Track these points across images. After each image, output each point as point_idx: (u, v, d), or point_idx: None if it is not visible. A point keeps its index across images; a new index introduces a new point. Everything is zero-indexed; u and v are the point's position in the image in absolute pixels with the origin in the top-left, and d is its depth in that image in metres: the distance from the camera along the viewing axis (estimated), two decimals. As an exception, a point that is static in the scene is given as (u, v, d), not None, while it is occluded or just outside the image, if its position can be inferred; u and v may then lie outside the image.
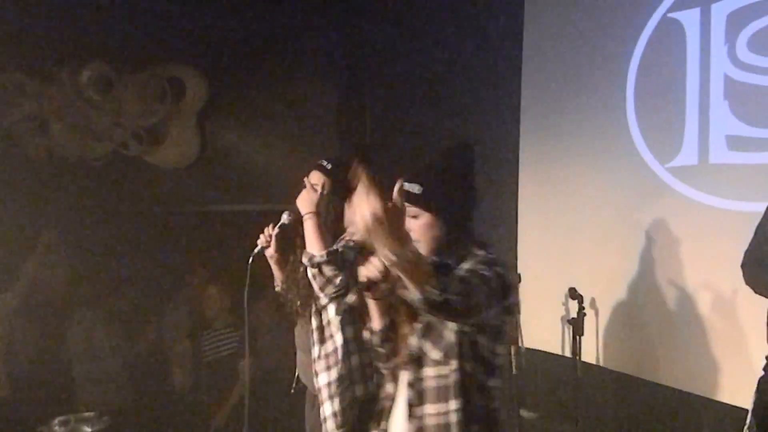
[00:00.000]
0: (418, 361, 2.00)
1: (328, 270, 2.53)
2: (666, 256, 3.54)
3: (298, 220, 2.80)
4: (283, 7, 5.01)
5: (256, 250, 2.88)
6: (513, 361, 3.78)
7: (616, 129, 3.82)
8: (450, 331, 1.95)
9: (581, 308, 3.51)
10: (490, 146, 4.74)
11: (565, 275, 3.97)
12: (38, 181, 4.84)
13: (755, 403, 2.63)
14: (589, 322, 3.61)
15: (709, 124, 3.33)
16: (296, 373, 3.01)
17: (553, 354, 4.12)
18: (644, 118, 3.69)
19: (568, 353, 3.79)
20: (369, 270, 1.98)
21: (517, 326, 3.87)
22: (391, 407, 2.10)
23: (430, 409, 1.98)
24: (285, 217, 2.87)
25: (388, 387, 2.12)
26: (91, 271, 4.72)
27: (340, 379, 2.66)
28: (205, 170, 5.26)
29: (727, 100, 3.27)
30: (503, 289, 1.93)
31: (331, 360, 2.70)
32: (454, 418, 1.95)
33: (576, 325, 3.48)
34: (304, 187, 2.79)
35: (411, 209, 1.98)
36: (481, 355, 1.97)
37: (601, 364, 3.88)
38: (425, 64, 4.94)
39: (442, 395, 1.96)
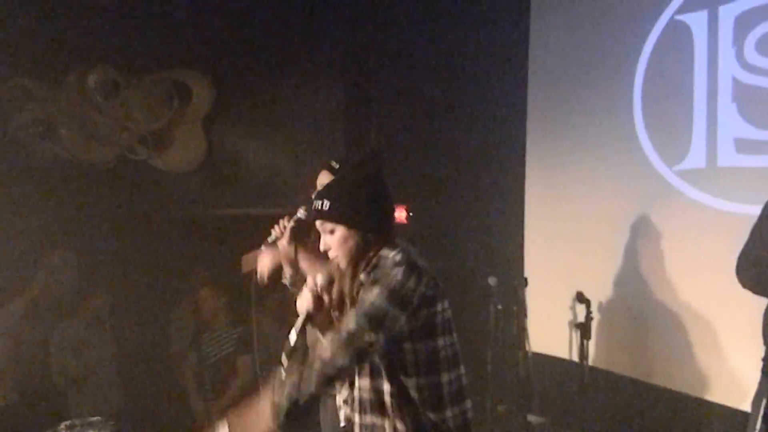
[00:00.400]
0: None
1: None
2: (674, 260, 3.52)
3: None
4: (289, 12, 5.01)
5: (269, 240, 2.89)
6: (520, 365, 3.77)
7: (623, 132, 3.80)
8: None
9: (588, 312, 3.49)
10: (497, 150, 4.73)
11: (572, 279, 3.94)
12: (45, 185, 4.86)
13: (766, 408, 2.60)
14: (596, 327, 3.60)
15: (717, 126, 3.31)
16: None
17: (560, 358, 4.10)
18: (652, 121, 3.67)
19: (575, 357, 3.76)
20: (304, 304, 2.08)
21: (524, 330, 3.85)
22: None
23: (367, 419, 2.04)
24: (301, 212, 2.88)
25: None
26: (97, 275, 4.73)
27: None
28: (210, 174, 5.27)
29: (735, 103, 3.25)
30: (405, 295, 1.92)
31: None
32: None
33: (583, 330, 3.46)
34: (312, 188, 2.81)
35: (326, 225, 2.06)
36: (412, 358, 1.99)
37: (609, 368, 3.86)
38: (431, 68, 4.93)
39: (376, 407, 2.03)
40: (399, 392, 1.98)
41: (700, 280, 3.38)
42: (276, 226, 2.90)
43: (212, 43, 5.05)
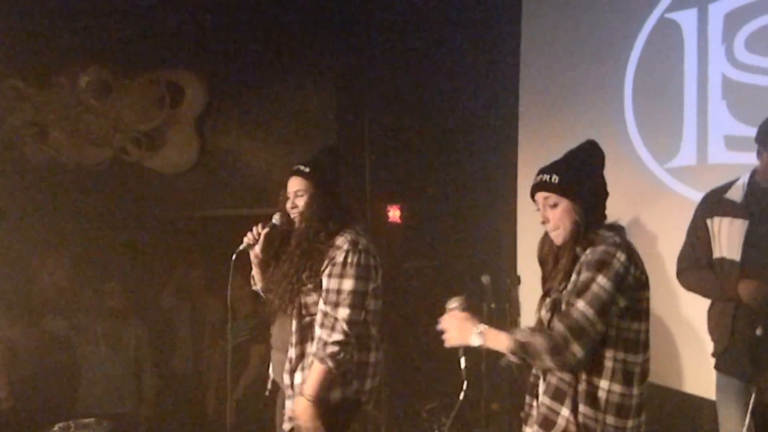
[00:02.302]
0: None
1: None
2: (666, 257, 3.53)
3: (287, 222, 2.83)
4: (282, 12, 5.01)
5: (241, 247, 2.88)
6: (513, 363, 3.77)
7: (614, 130, 3.81)
8: None
9: (581, 310, 3.49)
10: (489, 147, 4.75)
11: (564, 277, 3.95)
12: (38, 186, 4.85)
13: (754, 404, 2.63)
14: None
15: (707, 124, 3.33)
16: (270, 375, 3.01)
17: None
18: (642, 118, 3.68)
19: (568, 355, 3.77)
20: (456, 339, 2.29)
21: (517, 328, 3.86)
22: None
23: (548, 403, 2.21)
24: (276, 218, 2.88)
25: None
26: (90, 276, 4.72)
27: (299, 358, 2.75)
28: (203, 175, 5.27)
29: (725, 100, 3.27)
30: (625, 277, 2.04)
31: (309, 361, 2.72)
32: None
33: (576, 327, 3.46)
34: (284, 197, 2.84)
35: (551, 198, 2.19)
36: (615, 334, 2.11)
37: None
38: (423, 68, 4.94)
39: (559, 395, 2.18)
40: (597, 366, 2.07)
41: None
42: (249, 233, 2.89)
43: (205, 44, 5.05)
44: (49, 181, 4.95)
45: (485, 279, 3.92)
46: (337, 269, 2.70)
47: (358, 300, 2.68)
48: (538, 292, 4.13)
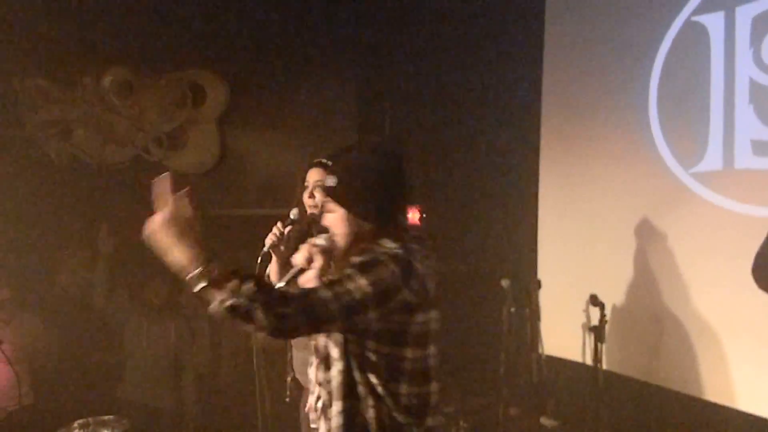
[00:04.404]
0: (326, 360, 1.97)
1: None
2: (690, 264, 3.49)
3: (305, 217, 2.82)
4: (302, 12, 5.02)
5: (266, 248, 2.86)
6: (533, 368, 3.75)
7: (638, 133, 3.77)
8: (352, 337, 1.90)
9: (603, 315, 3.46)
10: (510, 151, 4.71)
11: (586, 282, 3.92)
12: (61, 185, 4.90)
13: None
14: (610, 330, 3.57)
15: (734, 128, 3.28)
16: (288, 379, 3.01)
17: (573, 362, 4.07)
18: (667, 122, 3.64)
19: (589, 361, 3.74)
20: (296, 258, 2.03)
21: (537, 333, 3.84)
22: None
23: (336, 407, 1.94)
24: (294, 213, 2.87)
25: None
26: (111, 275, 4.75)
27: None
28: (224, 174, 5.29)
29: (752, 104, 3.21)
30: (381, 293, 1.81)
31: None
32: (335, 422, 1.91)
33: (597, 333, 3.43)
34: (301, 186, 2.82)
35: (327, 201, 1.99)
36: (370, 359, 1.89)
37: (623, 372, 3.83)
38: (444, 69, 4.92)
39: (348, 393, 1.92)
40: (367, 384, 1.90)
41: (716, 283, 3.34)
42: (271, 235, 2.85)
43: (226, 44, 5.07)
44: (72, 179, 4.99)
45: (505, 283, 3.89)
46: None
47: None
48: (559, 296, 4.14)
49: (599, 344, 3.42)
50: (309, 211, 2.86)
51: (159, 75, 5.10)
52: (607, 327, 3.46)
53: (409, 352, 1.91)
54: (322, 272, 2.00)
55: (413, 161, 5.06)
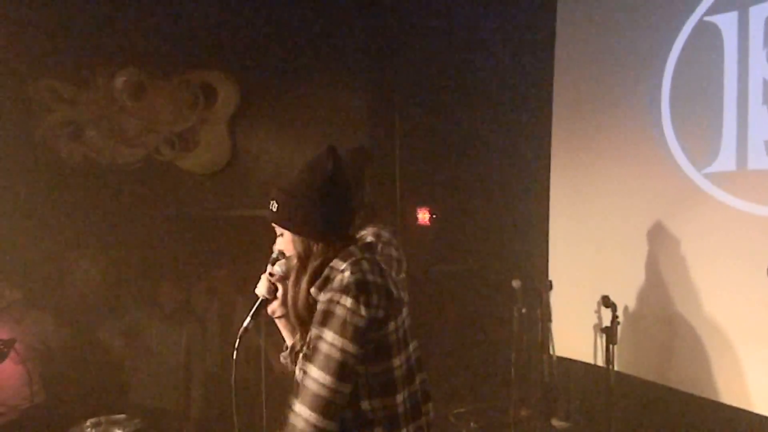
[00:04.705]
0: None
1: None
2: (702, 265, 3.47)
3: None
4: (314, 13, 5.03)
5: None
6: (544, 369, 3.74)
7: (650, 134, 3.76)
8: None
9: (615, 316, 3.45)
10: (522, 151, 4.70)
11: (597, 283, 3.91)
12: (73, 185, 4.92)
13: None
14: (622, 331, 3.56)
15: (747, 129, 3.26)
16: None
17: (585, 363, 4.06)
18: (680, 123, 3.62)
19: (600, 362, 3.73)
20: (258, 289, 2.06)
21: (548, 334, 3.82)
22: None
23: None
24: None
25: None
26: (123, 275, 4.78)
27: None
28: (235, 175, 5.30)
29: (765, 105, 3.20)
30: (357, 326, 1.82)
31: None
32: None
33: (609, 334, 3.42)
34: None
35: (275, 226, 2.04)
36: (364, 381, 1.90)
37: (635, 373, 3.81)
38: (456, 69, 4.92)
39: None
40: (356, 416, 1.89)
41: (729, 284, 3.33)
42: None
43: (238, 45, 5.09)
44: (84, 179, 5.02)
45: (516, 283, 3.89)
46: None
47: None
48: (571, 297, 4.13)
49: (611, 345, 3.40)
50: None
51: (170, 76, 5.12)
52: (618, 328, 3.45)
53: (396, 361, 1.92)
54: (285, 298, 2.03)
55: (424, 161, 5.07)
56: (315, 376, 1.81)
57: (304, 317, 1.95)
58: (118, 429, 3.52)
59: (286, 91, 5.20)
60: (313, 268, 1.94)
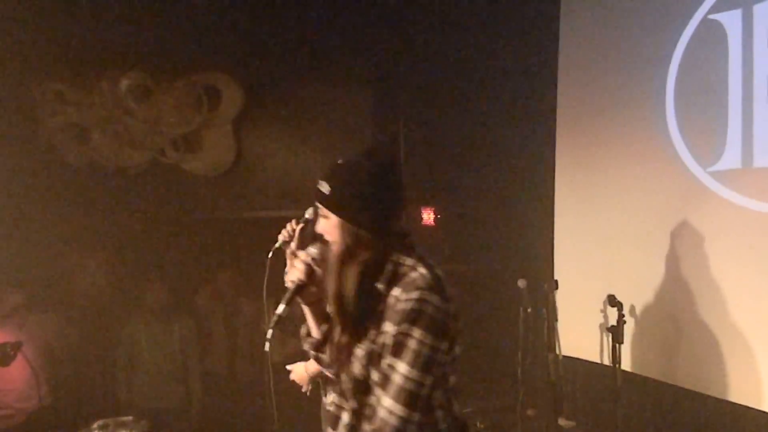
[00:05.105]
0: (364, 388, 1.94)
1: None
2: (708, 263, 3.46)
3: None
4: (318, 15, 5.04)
5: (277, 245, 2.91)
6: (551, 368, 3.73)
7: (655, 132, 3.75)
8: None
9: (621, 315, 3.44)
10: (526, 151, 4.70)
11: (603, 282, 3.90)
12: (79, 187, 4.94)
13: None
14: (628, 330, 3.55)
15: (752, 126, 3.25)
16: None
17: (591, 362, 4.05)
18: (685, 121, 3.61)
19: (607, 361, 3.72)
20: (294, 274, 1.99)
21: (554, 333, 3.82)
22: (341, 415, 2.06)
23: None
24: (309, 213, 2.90)
25: (335, 397, 2.10)
26: (128, 277, 4.79)
27: None
28: (240, 177, 5.31)
29: (771, 102, 3.18)
30: (445, 323, 1.85)
31: None
32: None
33: (615, 333, 3.41)
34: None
35: (322, 208, 1.97)
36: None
37: (642, 372, 3.80)
38: (460, 69, 4.92)
39: None
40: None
41: (735, 283, 3.31)
42: (283, 230, 2.91)
43: (242, 47, 5.10)
44: (89, 182, 5.04)
45: (521, 283, 3.88)
46: None
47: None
48: (577, 296, 4.12)
49: (617, 344, 3.39)
50: None
51: (175, 78, 5.14)
52: (625, 327, 3.44)
53: (457, 350, 1.94)
54: (320, 283, 1.99)
55: (429, 161, 5.06)
56: (404, 372, 1.81)
57: (350, 309, 1.91)
58: (125, 431, 3.54)
59: (289, 93, 5.22)
60: (365, 260, 1.91)
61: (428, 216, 5.16)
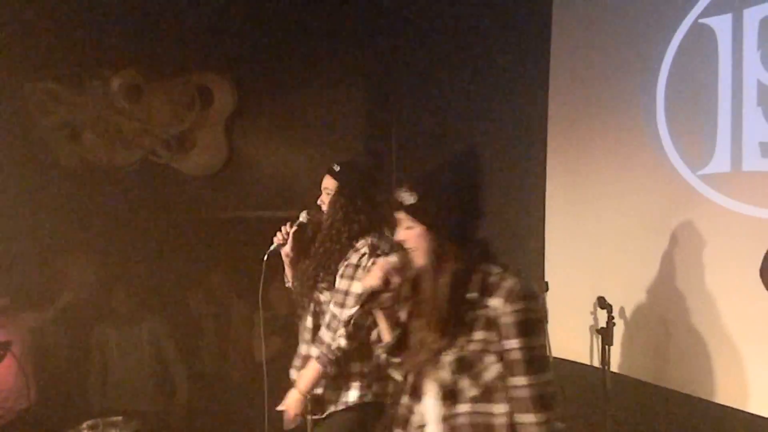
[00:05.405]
0: (452, 396, 1.96)
1: None
2: (697, 266, 3.48)
3: (315, 219, 2.88)
4: (310, 15, 5.04)
5: (272, 247, 2.95)
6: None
7: (646, 136, 3.77)
8: (493, 367, 1.93)
9: (610, 317, 3.46)
10: (517, 151, 4.71)
11: (593, 284, 3.91)
12: (70, 187, 4.93)
13: None
14: (618, 332, 3.56)
15: (742, 130, 3.27)
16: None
17: (581, 364, 4.07)
18: (675, 124, 3.63)
19: (596, 363, 3.74)
20: (370, 280, 2.00)
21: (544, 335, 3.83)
22: (409, 417, 2.09)
23: None
24: (303, 216, 2.93)
25: (405, 399, 2.11)
26: (119, 277, 4.78)
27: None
28: (232, 177, 5.31)
29: (760, 107, 3.20)
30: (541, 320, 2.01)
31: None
32: None
33: (605, 335, 3.43)
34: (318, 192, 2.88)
35: (405, 218, 1.97)
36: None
37: (631, 374, 3.82)
38: (452, 71, 4.93)
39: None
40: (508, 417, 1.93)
41: (724, 285, 3.34)
42: (278, 233, 2.95)
43: (234, 47, 5.10)
44: (80, 181, 5.02)
45: (512, 284, 3.88)
46: (349, 270, 2.74)
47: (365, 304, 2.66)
48: (567, 298, 4.13)
49: (607, 346, 3.41)
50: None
51: (167, 77, 5.13)
52: (614, 329, 3.46)
53: None
54: (397, 290, 2.00)
55: (420, 162, 5.06)
56: (534, 382, 1.88)
57: (443, 317, 1.92)
58: (115, 431, 3.53)
59: (282, 93, 5.21)
60: (455, 270, 1.93)
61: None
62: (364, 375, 2.77)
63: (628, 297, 3.80)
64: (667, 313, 3.65)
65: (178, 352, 4.68)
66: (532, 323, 1.91)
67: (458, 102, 4.95)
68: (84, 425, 3.53)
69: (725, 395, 3.31)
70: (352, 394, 2.77)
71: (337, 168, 2.88)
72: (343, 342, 2.65)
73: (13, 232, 4.48)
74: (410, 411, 2.09)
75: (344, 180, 2.85)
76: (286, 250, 2.96)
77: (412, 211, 1.95)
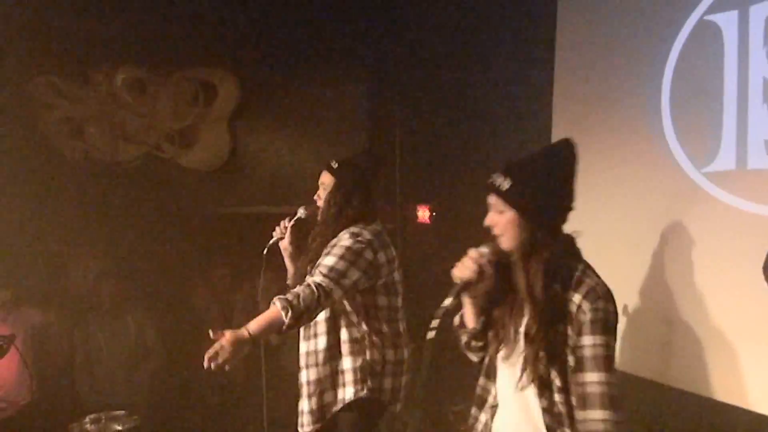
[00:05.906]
0: (549, 387, 1.96)
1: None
2: (701, 263, 3.47)
3: (313, 214, 2.89)
4: (314, 11, 5.03)
5: (271, 242, 2.97)
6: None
7: (650, 133, 3.75)
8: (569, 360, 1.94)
9: (614, 315, 3.44)
10: (521, 149, 4.69)
11: (597, 281, 3.90)
12: (73, 182, 4.94)
13: None
14: (621, 330, 3.55)
15: (747, 128, 3.26)
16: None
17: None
18: (680, 122, 3.62)
19: (599, 361, 3.72)
20: (461, 270, 1.96)
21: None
22: (486, 398, 2.14)
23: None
24: (301, 211, 2.95)
25: (482, 380, 2.17)
26: (122, 271, 4.79)
27: (317, 381, 2.80)
28: (235, 172, 5.31)
29: (766, 104, 3.19)
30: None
31: (311, 360, 2.82)
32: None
33: (608, 332, 3.41)
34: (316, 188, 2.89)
35: (497, 203, 1.96)
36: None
37: (634, 372, 3.81)
38: (456, 67, 4.92)
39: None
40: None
41: (728, 283, 3.32)
42: (277, 227, 2.97)
43: (238, 42, 5.10)
44: (84, 176, 5.03)
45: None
46: (327, 249, 2.73)
47: (334, 274, 2.62)
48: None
49: (610, 344, 3.40)
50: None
51: (170, 73, 5.14)
52: (618, 327, 3.44)
53: None
54: (490, 280, 1.98)
55: (424, 158, 5.06)
56: (606, 380, 1.87)
57: (540, 306, 1.92)
58: (118, 425, 3.53)
59: (286, 89, 5.22)
60: (546, 259, 1.93)
61: (423, 213, 5.17)
62: (356, 370, 2.78)
63: (631, 294, 3.79)
64: (670, 311, 3.64)
65: (176, 346, 4.67)
66: (609, 323, 1.91)
67: (461, 98, 4.94)
68: (87, 419, 3.54)
69: (729, 393, 3.30)
70: (348, 391, 2.78)
71: (335, 164, 2.92)
72: (307, 290, 2.53)
73: (17, 227, 4.49)
74: (486, 391, 2.14)
75: (341, 177, 2.88)
76: (284, 243, 2.99)
77: (506, 195, 1.93)
